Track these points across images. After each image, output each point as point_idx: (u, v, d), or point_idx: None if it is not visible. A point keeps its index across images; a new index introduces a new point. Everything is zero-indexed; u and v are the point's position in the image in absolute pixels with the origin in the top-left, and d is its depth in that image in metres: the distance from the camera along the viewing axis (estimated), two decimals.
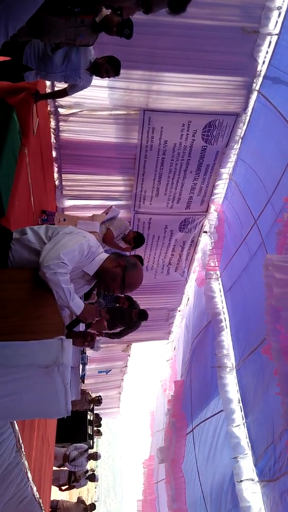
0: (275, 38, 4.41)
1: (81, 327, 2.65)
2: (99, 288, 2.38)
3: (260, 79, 4.89)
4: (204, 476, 6.03)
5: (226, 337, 6.29)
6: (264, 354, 4.29)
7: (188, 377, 7.90)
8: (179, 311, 9.44)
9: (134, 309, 5.75)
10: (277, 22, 4.31)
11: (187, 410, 7.36)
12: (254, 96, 5.11)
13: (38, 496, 3.99)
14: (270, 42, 4.50)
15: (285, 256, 3.84)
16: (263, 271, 3.93)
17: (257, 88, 5.00)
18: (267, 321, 4.25)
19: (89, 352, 7.78)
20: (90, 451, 8.76)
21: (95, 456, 8.96)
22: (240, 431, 5.07)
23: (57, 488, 8.41)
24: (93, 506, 8.64)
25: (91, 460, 9.04)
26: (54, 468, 7.57)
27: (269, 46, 4.54)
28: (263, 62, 4.72)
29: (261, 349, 4.55)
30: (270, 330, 4.18)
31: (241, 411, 5.25)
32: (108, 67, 3.55)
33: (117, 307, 5.89)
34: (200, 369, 7.23)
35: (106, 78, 3.75)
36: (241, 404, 5.32)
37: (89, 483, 9.43)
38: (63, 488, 8.51)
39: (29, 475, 3.54)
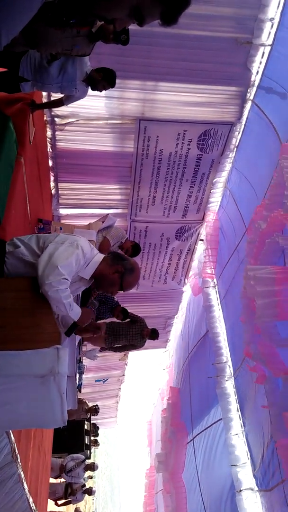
0: (268, 48, 4.48)
1: None
2: (97, 290, 2.41)
3: (254, 88, 4.95)
4: (205, 485, 5.98)
5: (224, 345, 6.28)
6: (246, 355, 4.32)
7: (187, 386, 7.85)
8: (176, 318, 9.43)
9: (146, 328, 5.79)
10: (270, 33, 4.38)
11: (187, 419, 7.31)
12: (248, 105, 5.17)
13: (34, 507, 3.94)
14: (263, 52, 4.57)
15: (264, 267, 3.86)
16: (244, 281, 3.97)
17: (251, 97, 5.06)
18: (246, 331, 4.30)
19: (86, 361, 7.74)
20: (87, 461, 8.68)
21: (92, 467, 8.87)
22: (239, 440, 5.03)
23: (53, 503, 8.29)
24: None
25: (88, 472, 8.94)
26: (51, 480, 7.49)
27: (262, 57, 4.61)
28: (257, 72, 4.78)
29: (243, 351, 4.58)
30: (249, 337, 4.23)
31: (240, 420, 5.22)
32: (104, 83, 3.61)
33: (119, 324, 5.88)
34: (200, 377, 7.20)
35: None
36: (239, 413, 5.30)
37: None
38: (59, 502, 8.39)
39: (25, 486, 3.50)
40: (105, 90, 3.67)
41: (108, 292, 2.32)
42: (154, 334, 5.83)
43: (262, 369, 4.06)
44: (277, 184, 4.09)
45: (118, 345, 6.06)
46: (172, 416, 7.83)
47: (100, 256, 2.23)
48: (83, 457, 8.44)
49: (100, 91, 3.68)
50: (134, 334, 5.79)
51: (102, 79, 3.58)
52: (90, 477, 9.00)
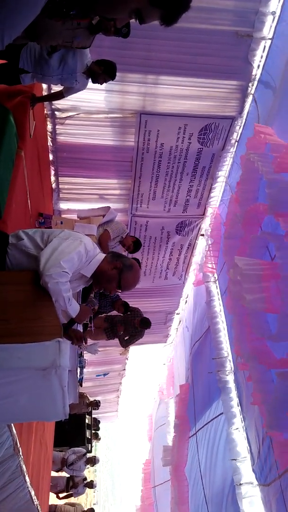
0: (269, 42, 4.45)
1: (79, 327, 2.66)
2: (96, 288, 2.41)
3: (255, 83, 4.93)
4: (207, 479, 6.01)
5: (225, 339, 6.29)
6: (237, 354, 4.35)
7: (190, 380, 7.88)
8: (177, 314, 9.44)
9: (137, 317, 5.76)
10: (271, 26, 4.35)
11: (190, 413, 7.34)
12: (249, 99, 5.14)
13: (36, 500, 3.97)
14: (264, 46, 4.54)
15: (252, 260, 3.87)
16: (230, 274, 3.98)
17: (252, 91, 5.03)
18: (235, 326, 4.32)
19: (86, 355, 7.76)
20: (88, 455, 8.73)
21: (93, 460, 8.92)
22: (239, 434, 5.05)
23: (55, 496, 8.35)
24: (91, 510, 8.61)
25: (89, 466, 9.00)
26: (52, 473, 7.54)
27: (263, 50, 4.58)
28: (258, 66, 4.75)
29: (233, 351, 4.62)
30: (238, 335, 4.26)
31: (240, 414, 5.24)
32: (105, 76, 3.60)
33: (116, 316, 5.89)
34: (202, 372, 7.22)
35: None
36: (239, 407, 5.31)
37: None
38: (61, 496, 8.45)
39: (27, 479, 3.52)
40: (106, 82, 3.65)
41: (106, 289, 2.29)
42: (143, 324, 5.78)
43: (252, 367, 4.09)
44: (245, 179, 4.09)
45: (120, 335, 6.07)
46: (178, 410, 7.86)
47: (102, 255, 2.25)
48: (84, 450, 8.50)
49: (101, 84, 3.66)
50: (130, 325, 5.79)
51: (103, 72, 3.56)
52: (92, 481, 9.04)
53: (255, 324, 4.00)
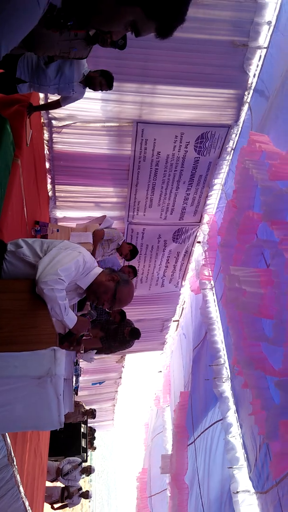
0: (264, 51, 4.51)
1: None
2: (89, 299, 2.40)
3: (251, 91, 4.98)
4: (205, 487, 5.96)
5: (221, 347, 6.28)
6: (233, 364, 4.35)
7: (188, 388, 7.85)
8: (173, 321, 9.42)
9: (127, 327, 5.70)
10: (266, 36, 4.41)
11: (188, 421, 7.30)
12: (245, 108, 5.19)
13: (30, 510, 3.92)
14: (260, 55, 4.59)
15: (248, 269, 3.90)
16: (227, 284, 4.00)
17: (248, 100, 5.08)
18: (232, 334, 4.33)
19: (82, 363, 7.72)
20: (84, 464, 8.65)
21: (88, 470, 8.84)
22: (236, 442, 5.03)
23: (49, 506, 8.26)
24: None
25: (84, 476, 8.92)
26: (47, 484, 7.45)
27: (259, 60, 4.63)
28: (254, 75, 4.81)
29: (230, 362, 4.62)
30: (236, 341, 4.27)
31: (237, 421, 5.22)
32: (101, 80, 3.61)
33: (111, 324, 5.85)
34: (199, 379, 7.20)
35: (99, 91, 3.80)
36: (236, 415, 5.30)
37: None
38: (56, 506, 8.35)
39: (21, 489, 3.48)
40: (102, 90, 3.66)
41: (100, 300, 2.27)
42: (133, 334, 5.72)
43: (248, 374, 4.09)
44: (241, 187, 4.12)
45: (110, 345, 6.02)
46: (177, 419, 7.82)
47: (99, 269, 2.27)
48: (79, 460, 8.42)
49: (96, 90, 3.66)
50: (120, 334, 5.76)
51: (100, 75, 3.58)
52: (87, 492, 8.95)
53: (250, 330, 4.01)
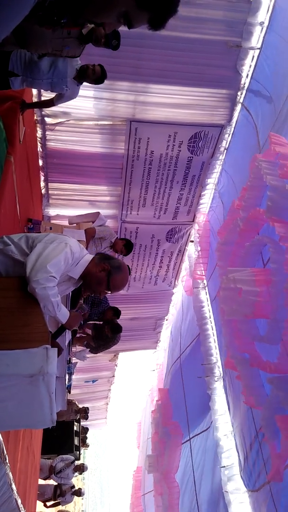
0: (257, 52, 4.53)
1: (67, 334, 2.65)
2: (86, 291, 2.42)
3: (244, 91, 5.00)
4: (200, 486, 5.99)
5: (214, 345, 6.31)
6: (227, 368, 4.38)
7: (178, 386, 7.86)
8: (166, 320, 9.45)
9: (107, 324, 5.65)
10: (259, 36, 4.43)
11: (182, 420, 7.31)
12: (238, 108, 5.22)
13: (22, 508, 3.92)
14: (253, 56, 4.61)
15: (244, 269, 3.93)
16: (223, 284, 4.02)
17: (241, 100, 5.10)
18: (225, 333, 4.35)
19: (75, 361, 7.72)
20: (77, 462, 8.66)
21: (81, 468, 8.84)
22: (228, 440, 5.06)
23: (42, 504, 8.26)
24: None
25: (77, 474, 8.93)
26: (40, 481, 7.45)
27: (252, 60, 4.65)
28: (247, 75, 4.83)
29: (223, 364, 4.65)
30: (228, 340, 4.29)
31: (230, 420, 5.25)
32: (95, 67, 3.58)
33: (101, 325, 5.84)
34: (194, 378, 7.22)
35: (92, 85, 3.78)
36: (228, 414, 5.32)
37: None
38: (48, 504, 8.35)
39: (14, 487, 3.48)
40: (95, 80, 3.62)
41: (96, 292, 2.31)
42: (114, 330, 5.60)
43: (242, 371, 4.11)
44: (252, 186, 4.13)
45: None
46: (163, 416, 7.82)
47: (89, 256, 2.24)
48: (72, 458, 8.43)
49: (89, 78, 3.59)
50: (103, 333, 5.74)
51: (93, 66, 3.56)
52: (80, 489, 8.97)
53: (244, 328, 4.03)
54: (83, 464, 9.27)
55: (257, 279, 3.65)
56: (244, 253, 4.31)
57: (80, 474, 9.44)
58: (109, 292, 2.30)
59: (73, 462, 8.33)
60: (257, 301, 3.48)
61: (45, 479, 8.23)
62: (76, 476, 9.18)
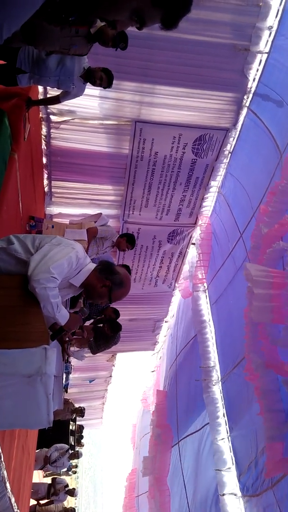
0: (265, 56, 4.51)
1: None
2: (87, 299, 2.40)
3: (250, 95, 4.98)
4: (190, 489, 5.97)
5: (212, 349, 6.29)
6: (245, 372, 4.31)
7: (173, 389, 7.85)
8: (165, 322, 9.43)
9: (106, 323, 5.63)
10: (267, 41, 4.42)
11: (173, 422, 7.30)
12: (244, 112, 5.20)
13: (16, 507, 3.90)
14: (260, 60, 4.60)
15: (264, 269, 3.87)
16: (246, 280, 3.95)
17: (247, 104, 5.09)
18: (246, 336, 4.30)
19: (73, 361, 7.71)
20: (71, 451, 8.72)
21: (76, 455, 8.91)
22: (225, 445, 5.04)
23: (36, 503, 8.27)
24: (72, 510, 8.58)
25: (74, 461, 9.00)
26: (34, 480, 7.44)
27: (259, 64, 4.64)
28: (254, 79, 4.81)
29: (243, 367, 4.58)
30: (250, 345, 4.24)
31: (226, 425, 5.23)
32: (102, 75, 3.58)
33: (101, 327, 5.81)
34: (187, 381, 7.20)
35: (98, 87, 3.78)
36: (226, 418, 5.30)
37: None
38: (42, 503, 8.37)
39: (8, 485, 3.46)
40: (101, 85, 3.63)
41: (97, 303, 2.31)
42: (114, 328, 5.60)
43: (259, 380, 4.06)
44: (282, 191, 4.08)
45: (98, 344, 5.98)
46: (157, 418, 7.82)
47: (92, 265, 2.23)
48: (67, 446, 8.48)
49: (95, 84, 3.62)
50: (103, 333, 5.71)
51: (101, 71, 3.57)
52: (76, 467, 9.07)
53: (265, 331, 3.96)
54: (78, 451, 9.34)
55: (274, 281, 3.60)
56: (266, 258, 4.26)
57: (77, 459, 9.49)
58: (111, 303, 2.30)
59: (67, 450, 8.38)
60: (273, 305, 3.44)
61: (41, 469, 8.29)
62: (71, 474, 9.23)
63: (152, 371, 11.19)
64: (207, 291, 7.02)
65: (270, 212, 4.24)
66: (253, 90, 4.93)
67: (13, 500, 3.78)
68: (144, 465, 7.80)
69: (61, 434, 8.69)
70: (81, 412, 9.48)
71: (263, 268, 3.83)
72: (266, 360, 3.90)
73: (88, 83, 3.70)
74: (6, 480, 3.40)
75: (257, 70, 4.71)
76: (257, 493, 4.03)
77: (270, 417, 3.68)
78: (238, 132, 5.48)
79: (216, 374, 5.89)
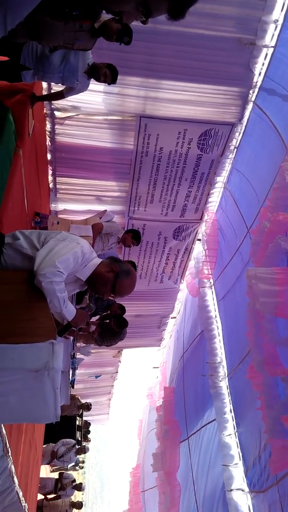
0: (271, 50, 4.47)
1: None
2: (90, 291, 2.39)
3: (256, 90, 4.94)
4: (199, 484, 5.99)
5: (219, 345, 6.28)
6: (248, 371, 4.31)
7: (180, 385, 7.86)
8: (171, 318, 9.43)
9: (112, 319, 5.65)
10: (273, 34, 4.37)
11: (181, 418, 7.31)
12: (250, 106, 5.15)
13: (24, 501, 3.94)
14: (266, 54, 4.55)
15: (266, 269, 3.87)
16: (247, 283, 3.96)
17: (253, 99, 5.04)
18: (249, 332, 4.30)
19: (79, 357, 7.74)
20: (78, 446, 8.78)
21: (83, 450, 8.96)
22: (232, 440, 5.04)
23: (43, 497, 8.34)
24: (80, 504, 8.63)
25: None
26: (41, 475, 7.50)
27: (265, 58, 4.59)
28: (259, 74, 4.77)
29: (248, 364, 4.57)
30: (252, 340, 4.24)
31: (233, 420, 5.23)
32: (107, 71, 3.57)
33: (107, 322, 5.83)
34: (194, 377, 7.20)
35: (102, 83, 3.76)
36: (233, 414, 5.30)
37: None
38: (49, 497, 8.43)
39: (15, 479, 3.49)
40: (105, 81, 3.62)
41: (99, 292, 2.27)
42: (120, 324, 5.62)
43: (260, 376, 4.05)
44: (281, 186, 4.07)
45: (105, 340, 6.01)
46: (165, 414, 7.83)
47: (98, 260, 2.22)
48: (73, 441, 8.54)
49: (100, 80, 3.62)
50: (109, 328, 5.73)
51: (106, 67, 3.55)
52: (83, 462, 9.15)
53: (266, 329, 3.96)
54: (85, 445, 9.39)
55: (278, 277, 3.59)
56: (268, 253, 4.25)
57: (84, 453, 9.56)
58: (113, 295, 2.27)
59: (74, 445, 8.44)
60: (278, 302, 3.43)
61: (48, 463, 8.34)
62: (77, 469, 9.30)
63: (156, 367, 11.20)
64: (213, 287, 7.01)
65: (271, 208, 4.23)
66: (258, 84, 4.88)
67: (21, 494, 3.81)
68: (154, 462, 7.83)
69: (68, 429, 8.74)
70: (87, 407, 9.53)
71: (265, 269, 3.84)
72: (265, 360, 3.90)
73: (92, 79, 3.69)
74: (13, 475, 3.43)
75: (263, 64, 4.66)
76: (263, 489, 4.03)
77: (270, 413, 3.67)
78: (243, 127, 5.44)
79: (223, 370, 5.89)
